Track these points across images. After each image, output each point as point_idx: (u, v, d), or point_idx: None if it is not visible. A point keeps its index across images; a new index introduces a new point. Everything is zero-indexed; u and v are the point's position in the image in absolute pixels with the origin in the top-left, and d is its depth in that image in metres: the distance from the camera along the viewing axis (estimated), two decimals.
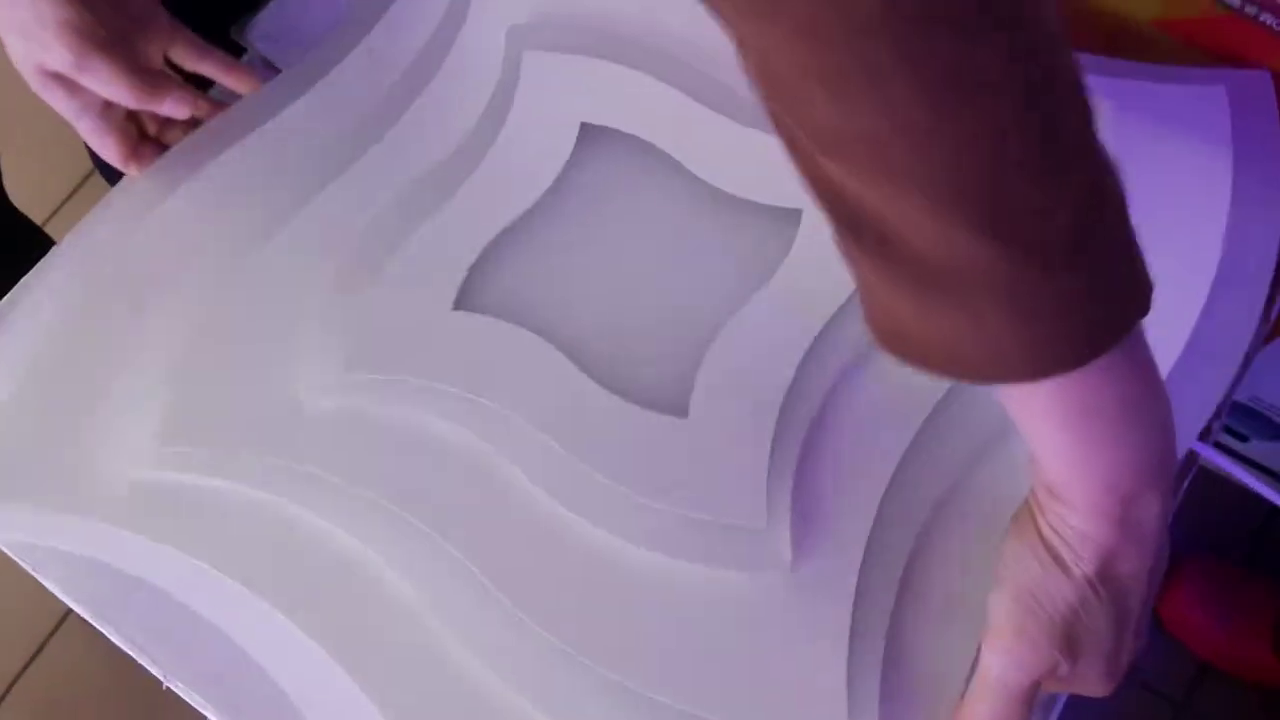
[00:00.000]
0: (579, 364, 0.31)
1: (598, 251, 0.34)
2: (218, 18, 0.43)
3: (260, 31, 0.42)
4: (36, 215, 0.69)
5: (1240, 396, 0.71)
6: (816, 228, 0.32)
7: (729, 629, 0.29)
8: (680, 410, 0.31)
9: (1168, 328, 0.31)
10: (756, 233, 0.35)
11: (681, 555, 0.29)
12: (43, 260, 0.36)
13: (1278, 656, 0.69)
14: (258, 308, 0.34)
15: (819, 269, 0.32)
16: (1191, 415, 0.32)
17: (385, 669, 0.29)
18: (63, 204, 0.93)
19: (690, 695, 0.28)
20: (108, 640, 0.32)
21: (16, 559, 0.33)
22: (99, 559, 0.32)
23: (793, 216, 0.34)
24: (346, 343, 0.32)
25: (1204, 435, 0.33)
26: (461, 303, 0.33)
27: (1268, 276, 0.35)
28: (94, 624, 0.32)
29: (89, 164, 0.63)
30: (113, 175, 0.39)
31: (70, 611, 0.36)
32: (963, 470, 0.30)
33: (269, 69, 0.41)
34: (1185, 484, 0.34)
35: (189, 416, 0.32)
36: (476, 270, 0.33)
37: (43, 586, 0.33)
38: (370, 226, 0.34)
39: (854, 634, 0.28)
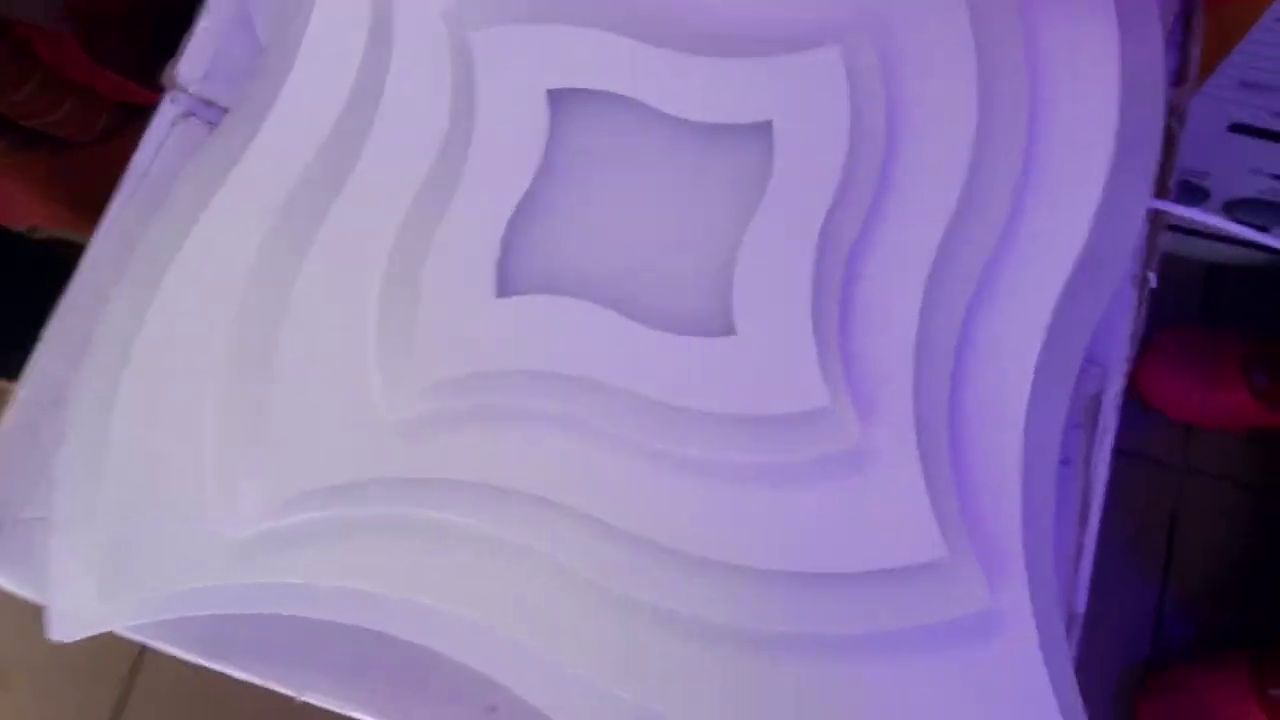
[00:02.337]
0: (628, 314, 0.38)
1: (604, 207, 0.41)
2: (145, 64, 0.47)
3: (191, 75, 0.46)
4: None
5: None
6: (791, 134, 0.40)
7: (823, 500, 0.37)
8: (727, 329, 0.38)
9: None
10: (738, 151, 0.41)
11: (768, 451, 0.37)
12: (86, 363, 0.40)
13: (1255, 397, 0.81)
14: (312, 346, 0.39)
15: (805, 169, 0.40)
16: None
17: (538, 618, 0.37)
18: None
19: (804, 559, 0.36)
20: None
21: (133, 636, 0.39)
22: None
23: (765, 128, 0.41)
24: (412, 352, 0.38)
25: (1161, 194, 0.42)
26: (501, 290, 0.39)
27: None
28: (211, 665, 0.39)
29: None
30: None
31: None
32: (977, 285, 0.38)
33: (214, 108, 0.46)
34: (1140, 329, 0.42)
35: (289, 458, 0.38)
36: (503, 257, 0.39)
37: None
38: (389, 244, 0.40)
39: (926, 469, 0.36)
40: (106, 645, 0.40)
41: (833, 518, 0.37)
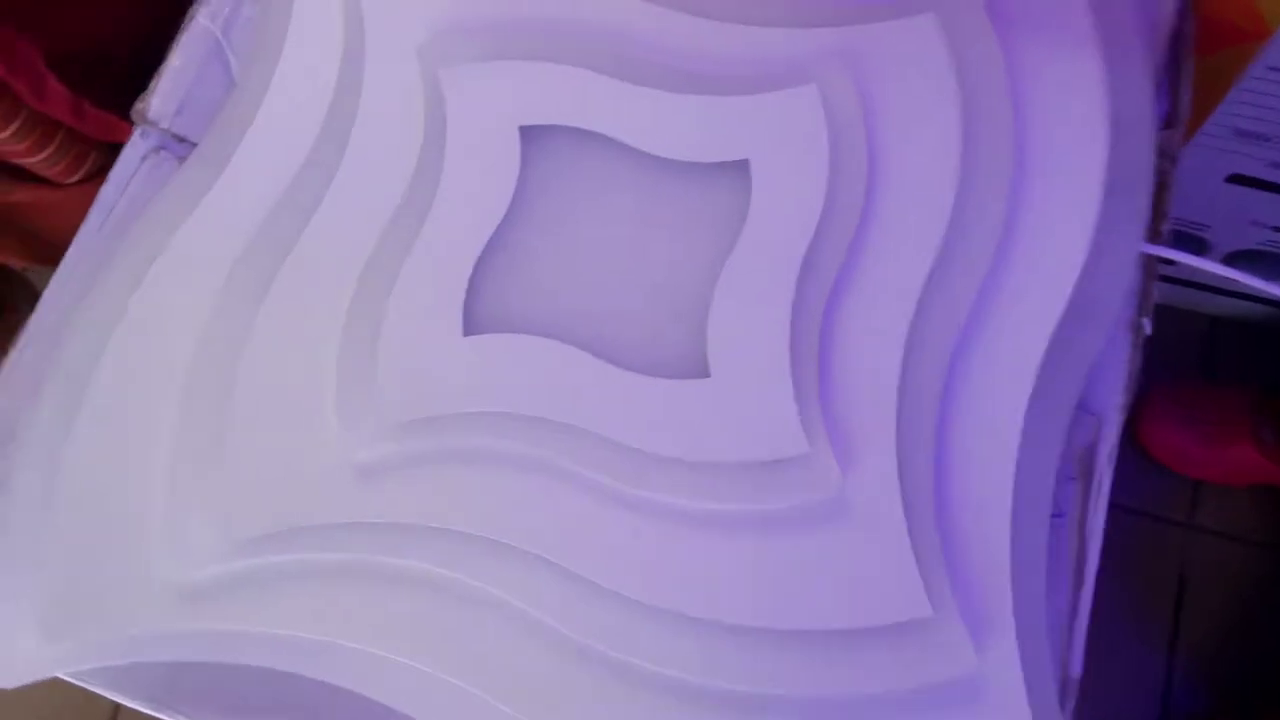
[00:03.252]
0: (597, 355, 0.37)
1: (576, 245, 0.40)
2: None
3: (162, 110, 0.45)
4: None
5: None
6: (768, 172, 0.39)
7: (799, 552, 0.35)
8: (701, 371, 0.36)
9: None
10: (714, 190, 0.40)
11: (743, 500, 0.35)
12: (39, 400, 0.39)
13: (1261, 452, 0.79)
14: (270, 385, 0.38)
15: (782, 208, 0.39)
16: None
17: (489, 665, 0.35)
18: None
19: (779, 615, 0.34)
20: None
21: (73, 681, 0.37)
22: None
23: (742, 167, 0.40)
24: (375, 392, 0.37)
25: (1154, 238, 0.41)
26: (469, 328, 0.38)
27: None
28: (158, 715, 0.37)
29: None
30: None
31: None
32: (964, 328, 0.37)
33: (185, 144, 0.45)
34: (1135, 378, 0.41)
35: (240, 504, 0.36)
36: (471, 295, 0.38)
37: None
38: (353, 280, 0.39)
39: (909, 521, 0.34)
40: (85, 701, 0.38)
41: (810, 571, 0.35)
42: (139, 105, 0.46)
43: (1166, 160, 0.44)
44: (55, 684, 0.39)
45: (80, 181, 0.71)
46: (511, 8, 0.43)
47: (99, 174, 0.72)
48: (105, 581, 0.37)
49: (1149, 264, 0.42)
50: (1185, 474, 0.83)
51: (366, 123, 0.42)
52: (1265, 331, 0.87)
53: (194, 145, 0.45)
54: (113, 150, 0.72)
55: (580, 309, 0.39)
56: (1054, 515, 0.38)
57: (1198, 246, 0.81)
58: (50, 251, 0.85)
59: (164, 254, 0.41)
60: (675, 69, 0.41)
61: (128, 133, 0.65)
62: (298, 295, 0.39)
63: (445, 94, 0.41)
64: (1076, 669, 0.36)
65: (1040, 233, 0.40)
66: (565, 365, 0.37)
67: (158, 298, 0.40)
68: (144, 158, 0.45)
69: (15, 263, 1.00)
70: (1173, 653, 0.80)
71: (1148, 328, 0.41)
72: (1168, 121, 0.45)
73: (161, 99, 0.46)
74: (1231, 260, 0.82)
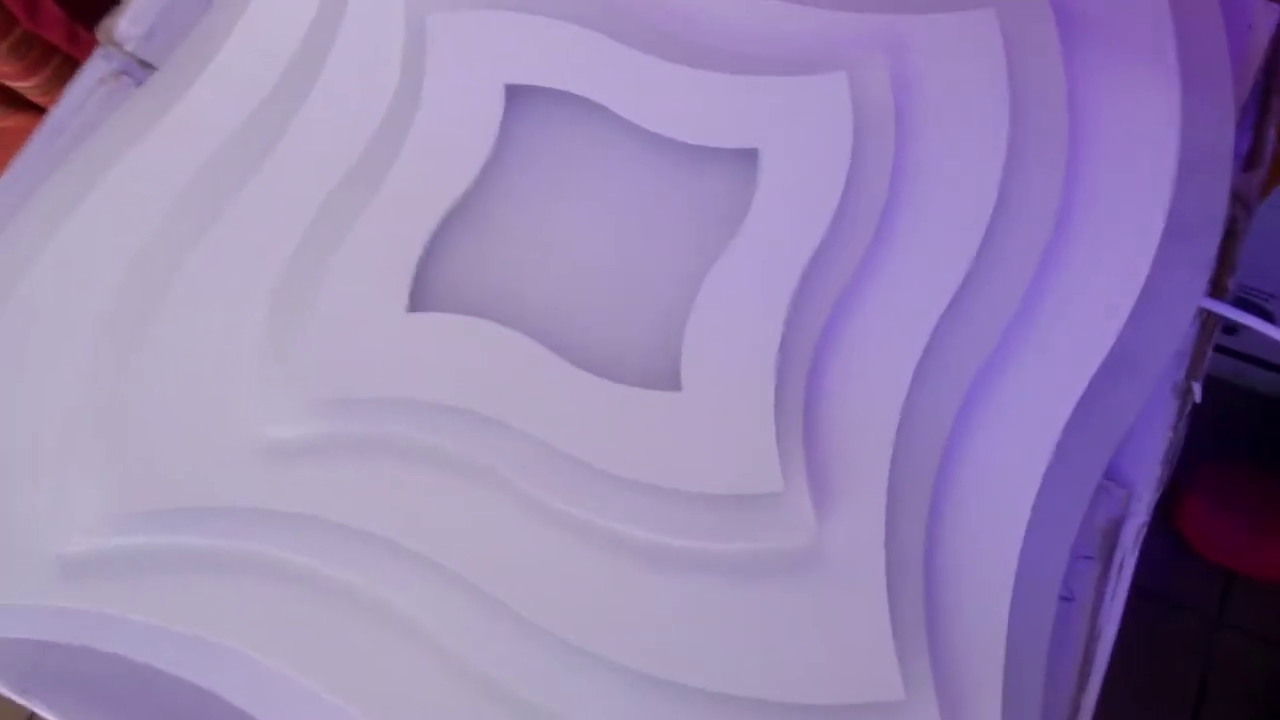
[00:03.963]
0: (557, 350, 0.32)
1: (552, 225, 0.35)
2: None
3: (130, 31, 0.41)
4: None
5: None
6: (778, 166, 0.34)
7: (760, 605, 0.30)
8: (672, 383, 0.32)
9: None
10: (715, 179, 0.36)
11: (701, 537, 0.30)
12: None
13: None
14: (187, 343, 0.33)
15: (789, 209, 0.34)
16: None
17: (374, 688, 0.30)
18: None
19: (726, 677, 0.29)
20: None
21: None
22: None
23: (750, 156, 0.35)
24: (298, 366, 0.32)
25: (1216, 293, 0.35)
26: (416, 304, 0.33)
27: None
28: (16, 699, 0.33)
29: None
30: None
31: None
32: (982, 371, 0.32)
33: (148, 70, 0.41)
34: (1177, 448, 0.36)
35: (134, 474, 0.32)
36: (425, 266, 0.34)
37: None
38: (297, 235, 0.34)
39: (891, 584, 0.29)
40: None
41: (770, 629, 0.30)
42: (105, 22, 0.42)
43: (1240, 206, 0.38)
44: None
45: None
46: None
47: None
48: None
49: (1207, 322, 0.37)
50: (1220, 563, 0.77)
51: (339, 63, 0.37)
52: None
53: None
54: None
55: (545, 296, 0.34)
56: (1063, 598, 0.33)
57: (1262, 317, 0.75)
58: None
59: (101, 183, 0.37)
60: (689, 40, 0.36)
61: None
62: (235, 244, 0.35)
63: (428, 40, 0.37)
64: None
65: (1084, 272, 0.34)
66: (517, 357, 0.32)
67: (85, 233, 0.36)
68: (103, 80, 0.42)
69: None
70: None
71: (1198, 394, 0.35)
72: (1247, 163, 0.39)
73: (130, 20, 0.42)
74: None
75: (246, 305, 0.34)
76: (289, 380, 0.32)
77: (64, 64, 0.64)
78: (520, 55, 0.36)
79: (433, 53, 0.36)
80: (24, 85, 0.64)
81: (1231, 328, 0.78)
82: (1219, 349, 0.82)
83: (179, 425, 0.33)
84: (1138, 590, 0.34)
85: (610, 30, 0.36)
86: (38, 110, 0.68)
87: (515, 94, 0.36)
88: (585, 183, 0.36)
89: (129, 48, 0.42)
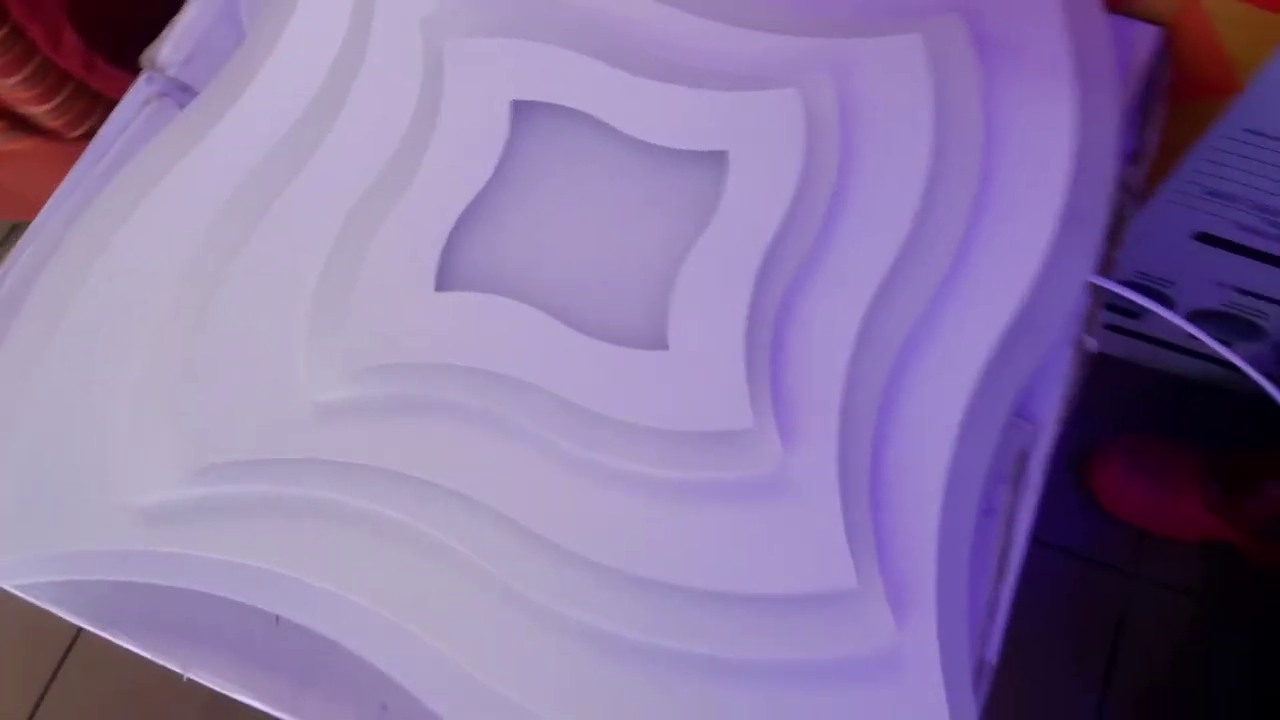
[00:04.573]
0: (563, 321, 0.38)
1: (554, 217, 0.41)
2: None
3: (171, 57, 0.47)
4: None
5: (1128, 274, 0.83)
6: (744, 165, 0.41)
7: (737, 519, 0.36)
8: (660, 343, 0.38)
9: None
10: (691, 177, 0.42)
11: (688, 468, 0.37)
12: (17, 320, 0.40)
13: (1208, 509, 0.81)
14: (244, 322, 0.39)
15: (753, 199, 0.40)
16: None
17: (426, 604, 0.36)
18: None
19: (712, 577, 0.35)
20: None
21: (23, 595, 0.38)
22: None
23: (719, 157, 0.42)
24: (343, 337, 0.38)
25: (1105, 269, 0.43)
26: (441, 284, 0.39)
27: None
28: (99, 632, 0.38)
29: None
30: None
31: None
32: (914, 327, 0.39)
33: (189, 93, 0.47)
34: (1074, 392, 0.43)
35: (203, 433, 0.37)
36: (447, 254, 0.40)
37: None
38: (336, 229, 0.40)
39: (843, 499, 0.36)
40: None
41: (746, 539, 0.36)
42: (148, 51, 0.48)
43: (1128, 195, 0.46)
44: (15, 604, 0.40)
45: (83, 136, 0.73)
46: None
47: None
48: (61, 496, 0.38)
49: (1097, 289, 0.44)
50: (1132, 524, 0.85)
51: (366, 84, 0.43)
52: (1223, 394, 0.89)
53: (197, 95, 0.47)
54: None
55: (551, 276, 0.40)
56: (985, 513, 0.40)
57: (1162, 302, 0.83)
58: (34, 208, 0.87)
59: (155, 190, 0.42)
60: (668, 61, 0.43)
61: None
62: (281, 237, 0.41)
63: (445, 63, 0.43)
64: (993, 655, 0.38)
65: (996, 248, 0.42)
66: (530, 327, 0.39)
67: (144, 231, 0.42)
68: (146, 102, 0.47)
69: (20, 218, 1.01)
70: (1105, 696, 0.82)
71: (1091, 345, 0.43)
72: (1134, 159, 0.47)
73: (171, 46, 0.48)
74: (1195, 319, 0.84)
75: (295, 289, 0.40)
76: (336, 350, 0.38)
77: (75, 90, 0.69)
78: (524, 75, 0.43)
79: (449, 73, 0.42)
80: (37, 110, 0.69)
81: (1132, 312, 0.87)
82: (1126, 332, 0.90)
83: (241, 391, 0.39)
84: (1057, 550, 0.41)
85: (601, 54, 0.43)
86: (48, 134, 0.72)
87: (520, 108, 0.42)
88: (580, 181, 0.42)
89: (170, 72, 0.47)
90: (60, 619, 0.39)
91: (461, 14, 0.44)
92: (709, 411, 0.37)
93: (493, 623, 0.36)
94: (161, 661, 0.37)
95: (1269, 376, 0.85)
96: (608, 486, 0.37)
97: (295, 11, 0.45)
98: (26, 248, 0.44)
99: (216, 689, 0.37)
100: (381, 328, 0.39)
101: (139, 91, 0.47)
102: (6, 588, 0.38)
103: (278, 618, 0.38)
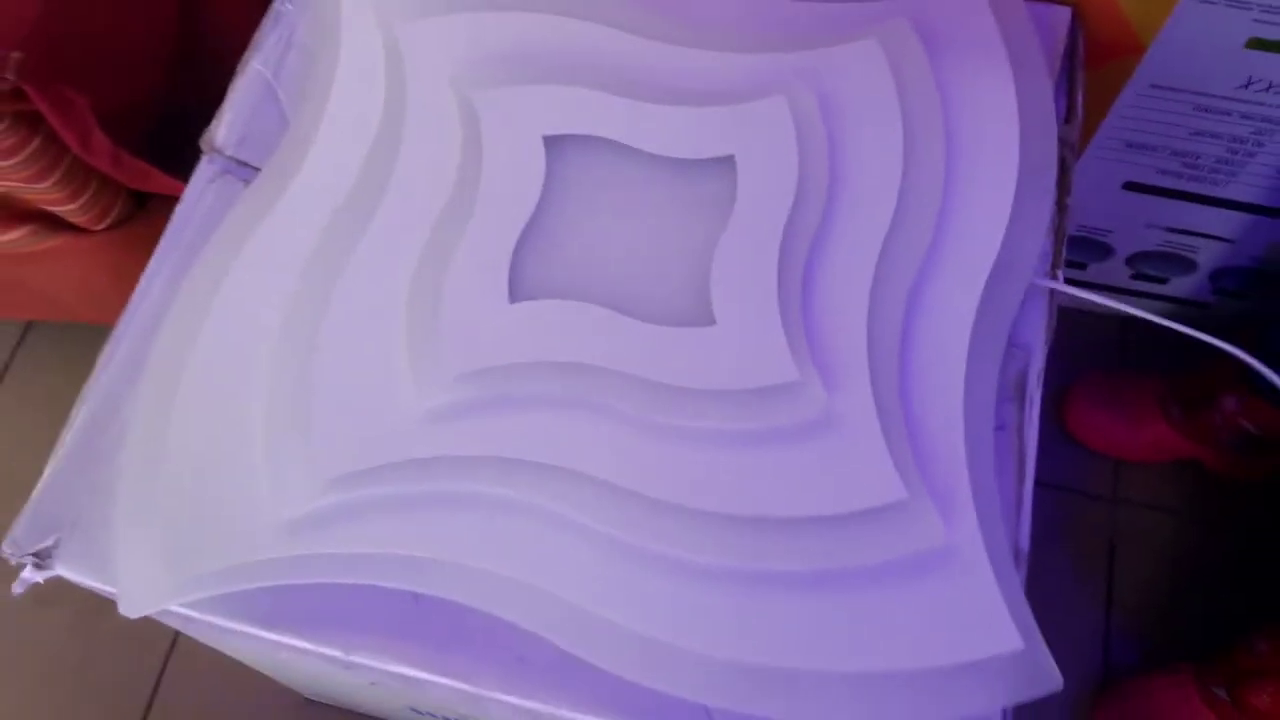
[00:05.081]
0: (623, 311, 0.45)
1: (598, 228, 0.48)
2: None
3: (228, 138, 0.53)
4: None
5: (1070, 230, 0.92)
6: (751, 165, 0.47)
7: (796, 458, 0.43)
8: (708, 320, 0.45)
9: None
10: (707, 180, 0.49)
11: (748, 420, 0.43)
12: (148, 367, 0.46)
13: (1172, 428, 0.89)
14: (350, 344, 0.45)
15: (764, 192, 0.47)
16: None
17: (546, 563, 0.42)
18: None
19: (785, 507, 0.42)
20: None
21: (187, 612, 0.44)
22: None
23: (729, 161, 0.49)
24: (439, 350, 0.44)
25: (1061, 210, 0.50)
26: (513, 297, 0.45)
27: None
28: (266, 635, 0.43)
29: None
30: None
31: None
32: (916, 277, 0.46)
33: (247, 168, 0.52)
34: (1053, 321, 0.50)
35: (332, 445, 0.43)
36: (513, 270, 0.46)
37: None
38: (414, 261, 0.46)
39: (883, 428, 0.43)
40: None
41: (807, 472, 0.43)
42: (206, 135, 0.53)
43: (1067, 148, 0.54)
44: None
45: (108, 228, 0.78)
46: (528, 42, 0.52)
47: (126, 220, 0.78)
48: (217, 521, 0.43)
49: (1058, 230, 0.52)
50: (1107, 453, 0.93)
51: (413, 139, 0.50)
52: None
53: (254, 169, 0.53)
54: (138, 198, 0.79)
55: (605, 277, 0.47)
56: (998, 428, 0.47)
57: (1102, 251, 0.92)
58: (60, 305, 0.91)
59: (245, 250, 0.48)
60: (672, 87, 0.50)
61: (159, 180, 0.72)
62: (367, 276, 0.47)
63: (479, 112, 0.49)
64: (1025, 542, 0.44)
65: (971, 203, 0.49)
66: (595, 321, 0.45)
67: (243, 285, 0.47)
68: (211, 180, 0.53)
69: (19, 317, 1.04)
70: (1109, 612, 0.89)
71: (1060, 279, 0.50)
72: (1067, 117, 0.55)
73: (226, 129, 0.54)
74: (1134, 261, 0.93)
75: (386, 316, 0.46)
76: (435, 363, 0.44)
77: (101, 186, 0.74)
78: (551, 113, 0.49)
79: (484, 119, 0.49)
80: (67, 209, 0.74)
81: (1081, 263, 0.95)
82: (1079, 282, 0.98)
83: (357, 408, 0.44)
84: (1044, 487, 0.48)
85: (611, 88, 0.50)
86: (76, 230, 0.77)
87: (552, 142, 0.49)
88: (615, 196, 0.49)
89: (229, 152, 0.53)
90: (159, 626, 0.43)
91: (484, 67, 0.51)
92: (760, 371, 0.44)
93: (601, 567, 0.42)
94: (326, 651, 0.43)
95: (1207, 301, 0.94)
96: (684, 444, 0.43)
97: (335, 85, 0.52)
98: (141, 303, 0.49)
99: (375, 665, 0.43)
100: (470, 339, 0.45)
101: (203, 172, 0.53)
102: (174, 608, 0.43)
103: (416, 596, 0.43)
